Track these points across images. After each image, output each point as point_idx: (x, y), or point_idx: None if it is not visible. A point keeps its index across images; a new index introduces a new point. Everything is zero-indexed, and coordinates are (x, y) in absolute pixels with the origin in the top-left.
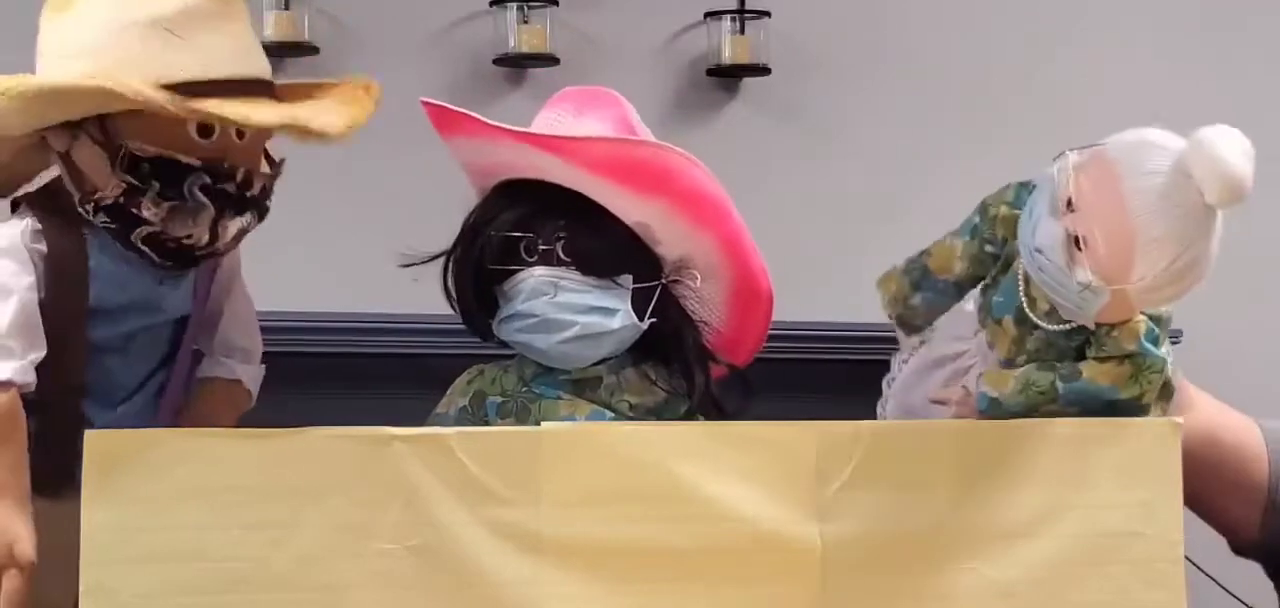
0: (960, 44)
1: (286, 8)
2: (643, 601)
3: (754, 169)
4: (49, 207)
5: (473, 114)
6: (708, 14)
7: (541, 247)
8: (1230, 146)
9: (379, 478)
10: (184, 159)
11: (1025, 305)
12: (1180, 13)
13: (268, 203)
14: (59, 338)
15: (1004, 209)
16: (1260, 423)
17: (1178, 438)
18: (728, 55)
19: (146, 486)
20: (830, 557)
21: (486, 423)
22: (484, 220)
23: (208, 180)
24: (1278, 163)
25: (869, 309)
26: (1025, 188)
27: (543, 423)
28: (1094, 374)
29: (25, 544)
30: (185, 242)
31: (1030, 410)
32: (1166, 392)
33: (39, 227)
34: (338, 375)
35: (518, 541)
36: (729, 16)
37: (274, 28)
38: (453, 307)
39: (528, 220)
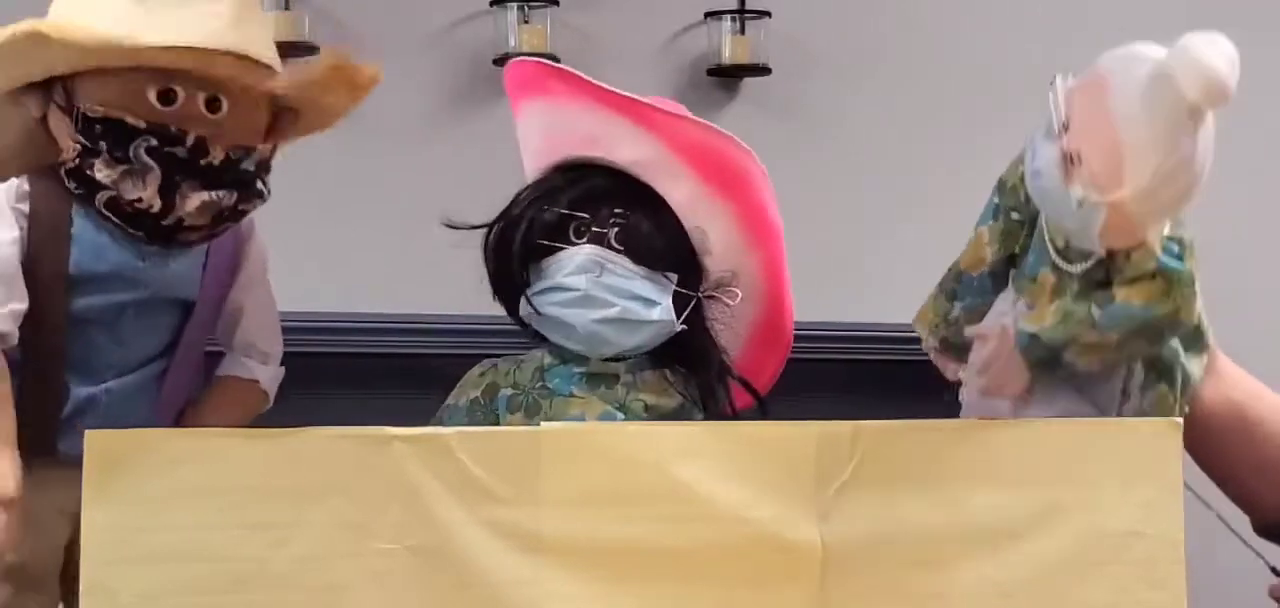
0: (960, 44)
1: (287, 8)
2: (642, 601)
3: None
4: (43, 172)
5: (577, 72)
6: (708, 14)
7: (594, 229)
8: (1213, 48)
9: (379, 478)
10: (131, 121)
11: (1050, 249)
12: (1183, 11)
13: (253, 180)
14: (39, 300)
15: (1022, 169)
16: None
17: (1178, 438)
18: (728, 55)
19: (147, 486)
20: (830, 557)
21: (497, 417)
22: (541, 194)
23: (154, 142)
24: None
25: (870, 309)
26: None
27: (544, 423)
28: (1126, 295)
29: (8, 481)
30: (138, 205)
31: (1070, 342)
32: (1200, 336)
33: (26, 188)
34: (338, 375)
35: (518, 541)
36: (729, 16)
37: (274, 28)
38: (488, 270)
39: (584, 201)
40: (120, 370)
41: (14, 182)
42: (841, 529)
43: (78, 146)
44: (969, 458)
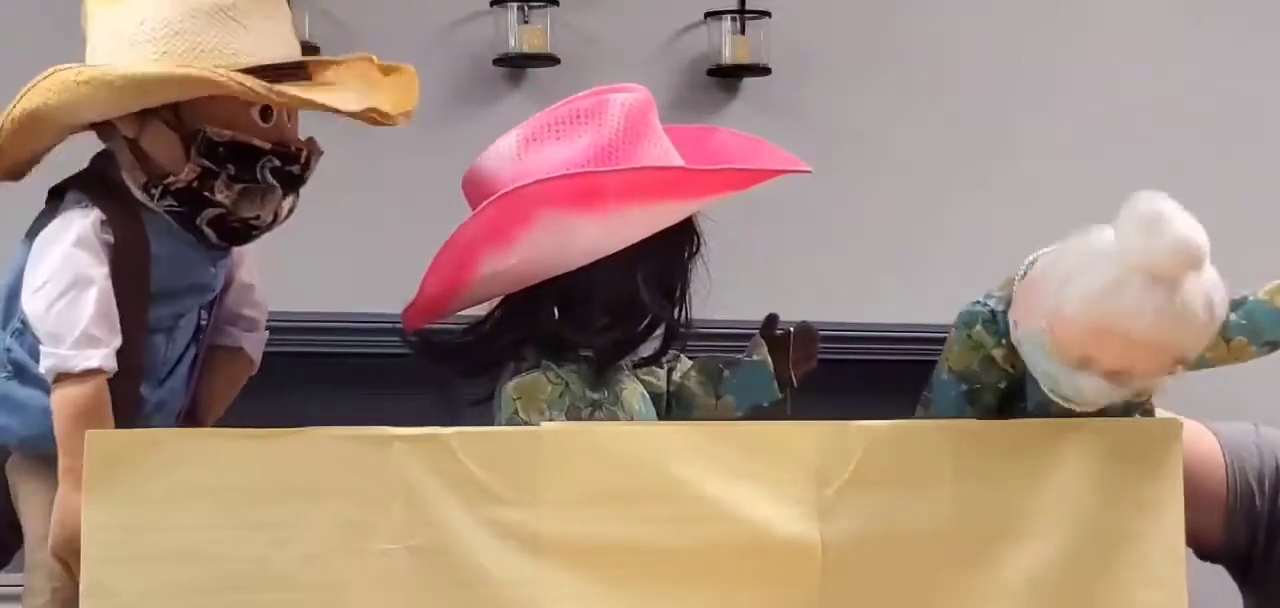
0: (961, 45)
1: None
2: (642, 601)
3: None
4: (107, 196)
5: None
6: (708, 14)
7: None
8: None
9: (379, 478)
10: (257, 143)
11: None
12: (1185, 13)
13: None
14: (124, 323)
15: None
16: (1213, 428)
17: (1179, 438)
18: (728, 55)
19: (147, 485)
20: (830, 557)
21: None
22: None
23: (277, 163)
24: None
25: (870, 309)
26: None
27: (543, 423)
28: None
29: None
30: (252, 222)
31: None
32: None
33: (104, 217)
34: (338, 375)
35: (518, 541)
36: (729, 16)
37: None
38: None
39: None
40: (170, 367)
41: (93, 213)
42: (841, 529)
43: (197, 169)
44: (969, 458)
